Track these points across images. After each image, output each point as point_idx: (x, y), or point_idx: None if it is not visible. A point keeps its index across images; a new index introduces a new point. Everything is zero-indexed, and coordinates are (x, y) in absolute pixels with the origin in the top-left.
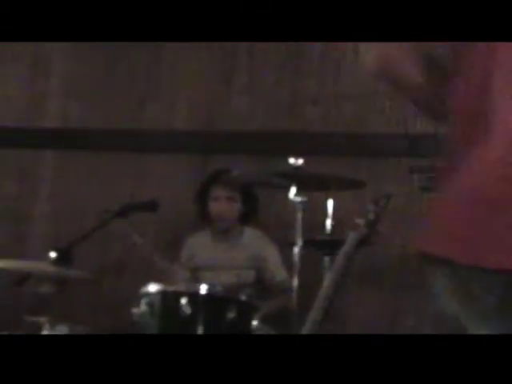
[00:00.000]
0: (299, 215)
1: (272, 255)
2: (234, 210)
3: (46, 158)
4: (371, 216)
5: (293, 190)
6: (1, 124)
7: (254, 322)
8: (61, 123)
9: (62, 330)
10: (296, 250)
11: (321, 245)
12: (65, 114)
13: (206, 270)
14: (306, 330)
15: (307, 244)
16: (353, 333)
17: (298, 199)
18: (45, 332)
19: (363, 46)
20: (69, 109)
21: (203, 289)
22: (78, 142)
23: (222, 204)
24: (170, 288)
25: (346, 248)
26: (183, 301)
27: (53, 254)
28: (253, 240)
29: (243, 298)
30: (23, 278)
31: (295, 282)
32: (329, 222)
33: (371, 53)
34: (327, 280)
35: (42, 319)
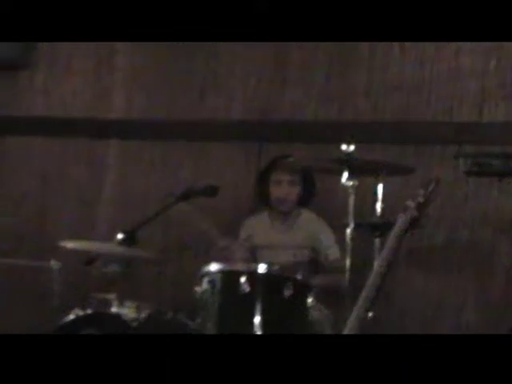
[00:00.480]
0: (351, 199)
1: (326, 236)
2: (294, 194)
3: (111, 146)
4: (421, 199)
5: (345, 175)
6: (70, 116)
7: (309, 300)
8: (125, 114)
9: (129, 305)
10: (348, 231)
11: (372, 227)
12: (129, 106)
13: (263, 250)
14: (357, 307)
15: (359, 226)
16: (399, 311)
17: (350, 184)
18: (114, 308)
19: None
20: (133, 101)
21: (261, 268)
22: (141, 131)
23: (284, 187)
24: (230, 267)
25: (396, 229)
26: (242, 279)
27: (119, 236)
28: (308, 222)
29: (299, 276)
30: (92, 258)
31: (347, 262)
32: (379, 206)
33: None
34: (378, 260)
35: (111, 296)
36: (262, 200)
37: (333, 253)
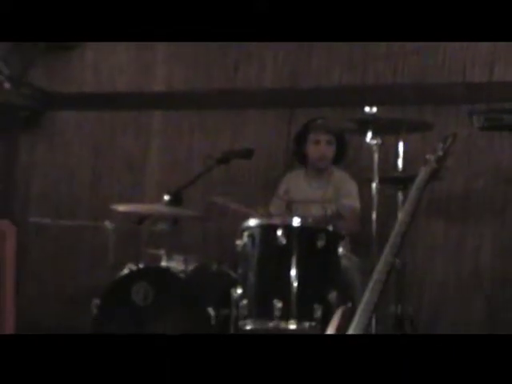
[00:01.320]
0: (375, 156)
1: (348, 188)
2: (331, 152)
3: (156, 117)
4: (440, 153)
5: (369, 135)
6: (117, 90)
7: (340, 249)
8: (167, 87)
9: (178, 259)
10: (374, 186)
11: (395, 181)
12: (170, 79)
13: (298, 204)
14: (384, 254)
15: (383, 181)
16: (423, 257)
17: (374, 142)
18: (163, 262)
19: None
20: (173, 74)
21: (296, 221)
22: (182, 102)
23: (323, 146)
24: (268, 221)
25: (418, 181)
26: (279, 232)
27: (166, 197)
28: (339, 179)
29: (331, 228)
30: (142, 218)
31: (374, 214)
32: (401, 162)
33: None
34: (402, 210)
35: (160, 252)
36: (299, 159)
37: (347, 200)
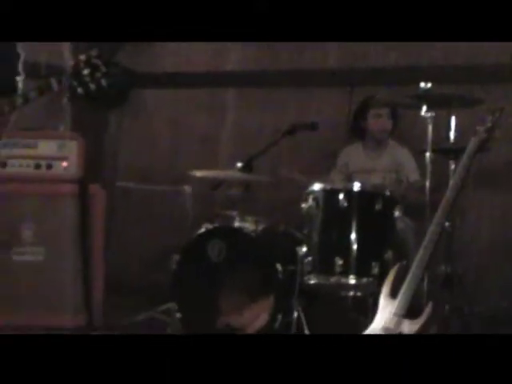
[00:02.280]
0: (429, 128)
1: (409, 162)
2: (390, 125)
3: (229, 94)
4: (489, 124)
5: (423, 109)
6: (194, 70)
7: (396, 213)
8: (240, 66)
9: (249, 220)
10: (427, 156)
11: (447, 152)
12: (242, 59)
13: (357, 174)
14: (436, 217)
15: (436, 151)
16: (471, 221)
17: (428, 115)
18: (236, 223)
19: None
20: (246, 54)
21: (356, 186)
22: (253, 80)
23: (384, 120)
24: (331, 186)
25: (469, 150)
26: (341, 196)
27: (238, 165)
28: (394, 150)
29: (388, 193)
30: (218, 183)
31: (427, 182)
32: (452, 134)
33: None
34: (453, 178)
35: (233, 213)
36: (356, 133)
37: (414, 175)
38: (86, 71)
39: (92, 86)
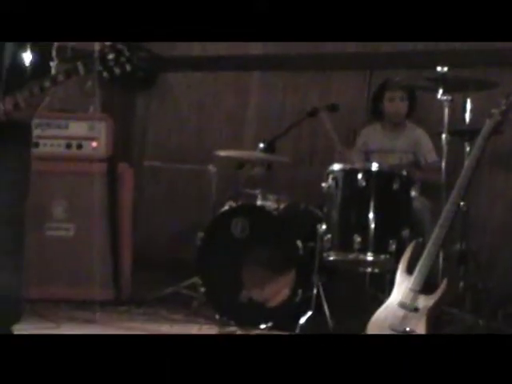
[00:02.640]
0: (445, 111)
1: (426, 143)
2: (404, 107)
3: (253, 77)
4: (503, 106)
5: (440, 92)
6: (219, 53)
7: (413, 192)
8: (263, 50)
9: (271, 198)
10: (443, 137)
11: (462, 133)
12: (266, 43)
13: (376, 154)
14: (452, 196)
15: (452, 133)
16: (485, 202)
17: (444, 98)
18: (259, 201)
19: None
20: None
21: (374, 166)
22: (277, 63)
23: (397, 102)
24: (350, 166)
25: (484, 131)
26: (359, 176)
27: (261, 145)
28: (412, 131)
29: (405, 173)
30: (241, 163)
31: (443, 162)
32: (468, 116)
33: None
34: (469, 158)
35: (256, 192)
36: (376, 114)
37: (431, 156)
38: (110, 56)
39: (116, 70)
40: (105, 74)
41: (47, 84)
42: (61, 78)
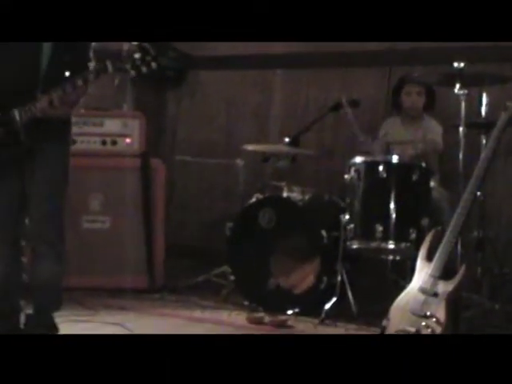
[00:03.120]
0: (462, 104)
1: (435, 130)
2: (421, 102)
3: (277, 74)
4: None
5: (457, 86)
6: (246, 52)
7: (432, 183)
8: (286, 48)
9: (296, 190)
10: (460, 130)
11: (478, 126)
12: (289, 42)
13: (395, 145)
14: (469, 185)
15: (468, 126)
16: (499, 191)
17: (461, 92)
18: (284, 193)
19: None
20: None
21: (394, 158)
22: (300, 61)
23: (414, 97)
24: (371, 158)
25: (499, 123)
26: (380, 168)
27: (286, 139)
28: (429, 123)
29: (424, 164)
30: (267, 157)
31: (460, 154)
32: (483, 109)
33: None
34: (485, 149)
35: (282, 184)
36: (395, 108)
37: (433, 138)
38: (137, 55)
39: (143, 69)
40: (132, 72)
41: (79, 82)
42: (91, 76)
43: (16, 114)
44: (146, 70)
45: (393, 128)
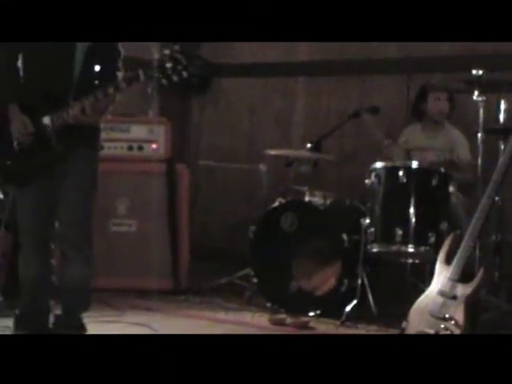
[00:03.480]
0: (481, 111)
1: (462, 142)
2: (448, 108)
3: (300, 82)
4: None
5: (475, 93)
6: (268, 60)
7: (450, 188)
8: (309, 57)
9: (318, 194)
10: (479, 136)
11: (497, 132)
12: (311, 50)
13: (415, 151)
14: (488, 191)
15: (487, 132)
16: None
17: (480, 99)
18: (306, 197)
19: None
20: (314, 46)
21: (415, 164)
22: (321, 69)
23: (443, 102)
24: (392, 164)
25: None
26: (400, 173)
27: (308, 145)
28: (449, 131)
29: (443, 170)
30: (290, 162)
31: (479, 160)
32: (502, 116)
33: None
34: (503, 155)
35: (304, 188)
36: (416, 115)
37: (465, 154)
38: (169, 64)
39: (174, 78)
40: (163, 80)
41: (111, 90)
42: (123, 84)
43: (48, 120)
44: (177, 79)
45: (413, 135)
